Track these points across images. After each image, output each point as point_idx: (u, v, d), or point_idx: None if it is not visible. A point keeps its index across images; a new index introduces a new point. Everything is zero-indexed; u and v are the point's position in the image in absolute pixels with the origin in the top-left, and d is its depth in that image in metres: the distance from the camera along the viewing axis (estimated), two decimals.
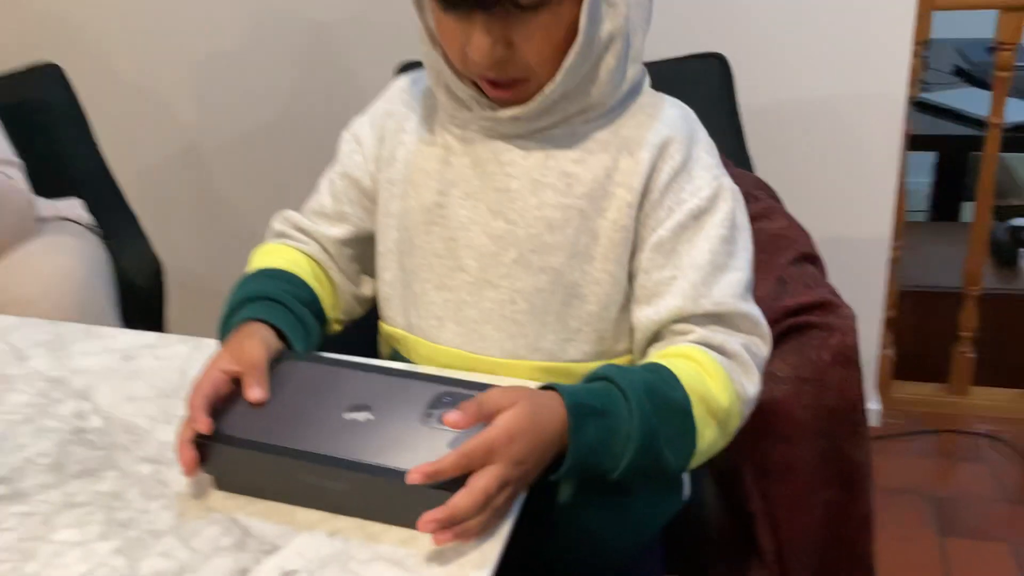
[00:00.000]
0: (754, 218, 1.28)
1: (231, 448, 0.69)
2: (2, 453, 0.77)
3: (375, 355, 0.98)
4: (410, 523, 0.64)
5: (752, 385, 0.82)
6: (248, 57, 1.92)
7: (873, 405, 1.90)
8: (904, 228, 1.91)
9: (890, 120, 1.73)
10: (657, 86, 0.93)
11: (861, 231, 1.81)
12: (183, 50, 1.94)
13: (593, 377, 0.76)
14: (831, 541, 1.06)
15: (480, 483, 0.64)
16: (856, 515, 1.05)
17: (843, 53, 1.69)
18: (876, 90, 1.71)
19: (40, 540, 0.67)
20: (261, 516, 0.68)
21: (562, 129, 0.84)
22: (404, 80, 0.94)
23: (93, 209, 1.42)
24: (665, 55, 1.49)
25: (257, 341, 0.77)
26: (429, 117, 0.89)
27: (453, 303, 0.87)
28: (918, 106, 2.81)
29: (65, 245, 1.26)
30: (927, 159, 2.77)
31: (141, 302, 1.37)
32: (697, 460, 0.79)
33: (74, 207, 1.39)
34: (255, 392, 0.73)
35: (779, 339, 1.07)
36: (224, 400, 0.73)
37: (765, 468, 1.04)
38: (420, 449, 0.67)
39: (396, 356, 0.94)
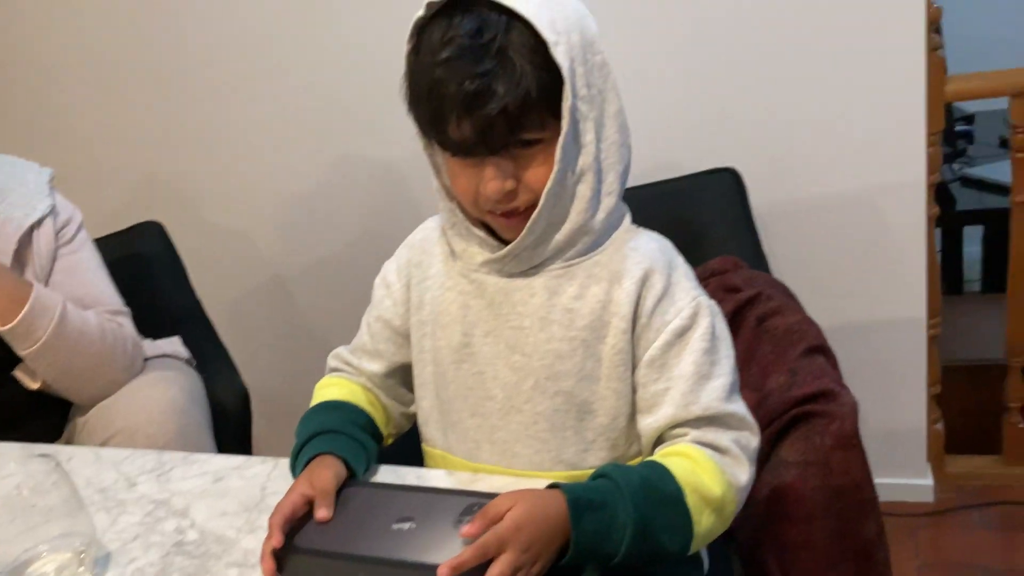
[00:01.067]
0: (768, 315, 1.41)
1: (303, 556, 0.86)
2: (118, 566, 0.94)
3: (422, 464, 1.14)
4: None
5: (743, 474, 0.94)
6: (323, 193, 2.13)
7: (926, 480, 1.94)
8: (957, 300, 1.97)
9: (914, 207, 1.81)
10: (676, 199, 1.08)
11: (897, 313, 1.88)
12: (265, 192, 2.17)
13: (595, 475, 0.90)
14: None
15: (495, 570, 0.78)
16: None
17: (861, 151, 1.79)
18: (897, 180, 1.80)
19: None
20: None
21: (559, 267, 0.99)
22: (420, 231, 1.12)
23: (189, 344, 1.62)
24: (687, 170, 1.65)
25: (327, 471, 0.95)
26: (447, 263, 1.05)
27: (486, 428, 1.01)
28: (963, 181, 2.88)
29: (167, 378, 1.45)
30: (979, 231, 2.83)
31: (232, 425, 1.56)
32: (698, 544, 0.91)
33: (173, 344, 1.59)
34: (322, 512, 0.90)
35: (788, 427, 1.18)
36: (300, 519, 0.90)
37: (783, 545, 1.14)
38: (452, 549, 0.81)
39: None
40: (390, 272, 1.13)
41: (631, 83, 1.79)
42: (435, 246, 1.08)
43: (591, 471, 0.96)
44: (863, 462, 1.13)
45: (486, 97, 0.87)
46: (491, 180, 0.92)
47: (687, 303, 0.97)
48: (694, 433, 0.94)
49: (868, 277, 1.87)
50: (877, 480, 1.16)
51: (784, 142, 1.81)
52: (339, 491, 0.94)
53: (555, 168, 0.92)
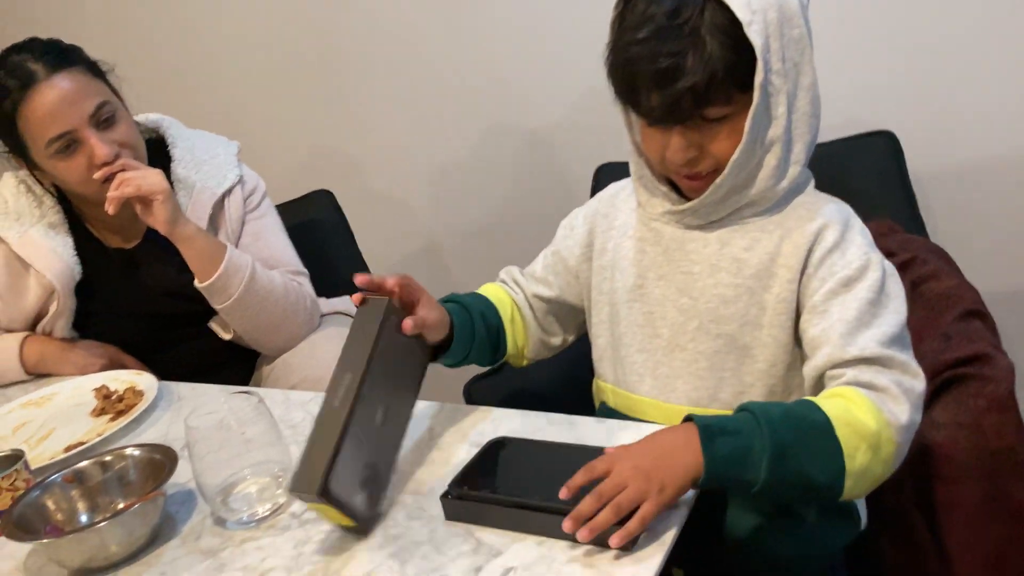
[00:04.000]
0: (923, 279, 1.40)
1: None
2: None
3: (591, 405, 1.23)
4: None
5: (903, 413, 0.92)
6: (474, 163, 2.23)
7: None
8: None
9: None
10: (831, 164, 1.12)
11: None
12: (422, 162, 2.29)
13: (736, 411, 0.93)
14: (1009, 574, 1.14)
15: (600, 488, 0.84)
16: None
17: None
18: None
19: (337, 548, 0.94)
20: (489, 531, 0.92)
21: (734, 222, 1.05)
22: (613, 187, 1.22)
23: None
24: (844, 133, 1.64)
25: (437, 307, 1.11)
26: (630, 216, 1.15)
27: (651, 363, 1.10)
28: None
29: (341, 334, 1.55)
30: None
31: None
32: (855, 482, 0.90)
33: (345, 302, 1.73)
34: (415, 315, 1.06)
35: (940, 390, 1.18)
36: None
37: (932, 506, 1.15)
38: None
39: (603, 406, 1.20)
40: (577, 217, 1.23)
41: None
42: (623, 199, 1.18)
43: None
44: (1018, 425, 1.12)
45: (675, 75, 0.94)
46: (676, 150, 1.00)
47: (858, 256, 1.00)
48: (851, 373, 0.94)
49: None
50: None
51: (945, 103, 1.76)
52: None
53: (743, 140, 0.97)
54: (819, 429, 0.89)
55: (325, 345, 1.53)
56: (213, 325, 1.58)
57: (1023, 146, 1.75)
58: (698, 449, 0.87)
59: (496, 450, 1.01)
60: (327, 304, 1.68)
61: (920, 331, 1.31)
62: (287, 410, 1.27)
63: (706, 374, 1.06)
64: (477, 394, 1.45)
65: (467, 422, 1.13)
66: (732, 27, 0.93)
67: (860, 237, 1.02)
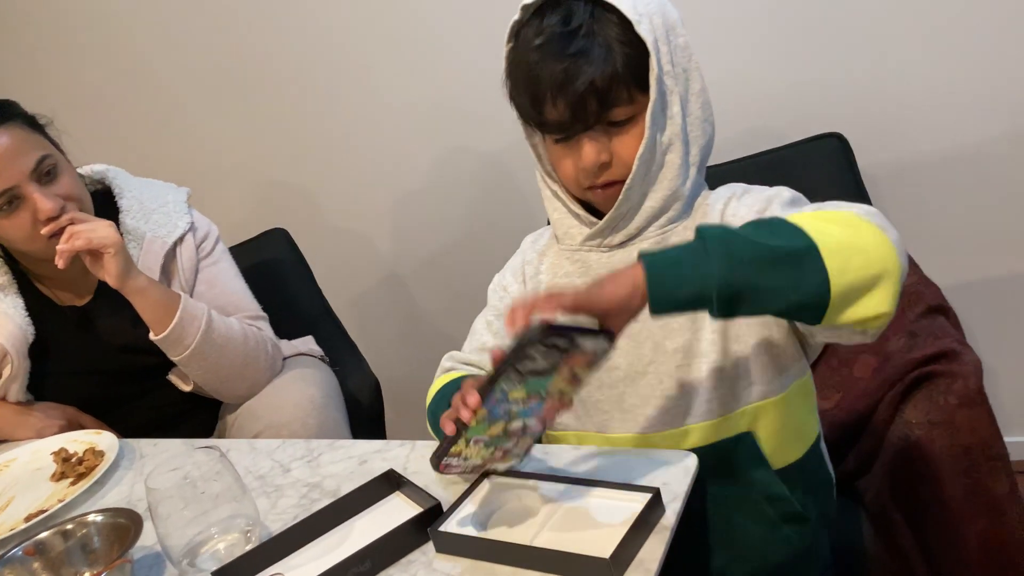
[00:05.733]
0: None
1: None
2: None
3: None
4: None
5: (876, 215, 0.86)
6: (432, 189, 2.21)
7: None
8: None
9: None
10: (784, 168, 1.12)
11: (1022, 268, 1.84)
12: (378, 194, 2.27)
13: None
14: (991, 569, 1.14)
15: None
16: (1011, 540, 1.13)
17: (974, 106, 1.75)
18: (1013, 131, 1.76)
19: None
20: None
21: (652, 236, 1.05)
22: (530, 237, 1.22)
23: (321, 342, 1.73)
24: (792, 139, 1.65)
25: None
26: (554, 256, 1.14)
27: (614, 397, 1.07)
28: None
29: (305, 376, 1.55)
30: None
31: (365, 415, 1.65)
32: (832, 256, 0.80)
33: (308, 343, 1.70)
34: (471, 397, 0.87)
35: (910, 388, 1.19)
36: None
37: (913, 504, 1.15)
38: None
39: None
40: (505, 275, 1.22)
41: (726, 54, 1.80)
42: (544, 243, 1.17)
43: (724, 418, 1.02)
44: (990, 419, 1.12)
45: (577, 74, 0.95)
46: (589, 154, 1.00)
47: (762, 191, 1.05)
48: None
49: (989, 233, 1.82)
50: (1011, 439, 1.15)
51: (890, 102, 1.78)
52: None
53: (646, 134, 0.99)
54: (773, 220, 0.85)
55: (289, 389, 1.50)
56: (172, 377, 1.54)
57: (970, 141, 1.77)
58: (639, 269, 0.82)
59: (482, 484, 1.00)
60: (289, 346, 1.65)
61: (885, 330, 1.32)
62: (254, 460, 1.23)
63: (673, 392, 1.04)
64: None
65: None
66: (623, 28, 0.97)
67: (758, 190, 1.05)
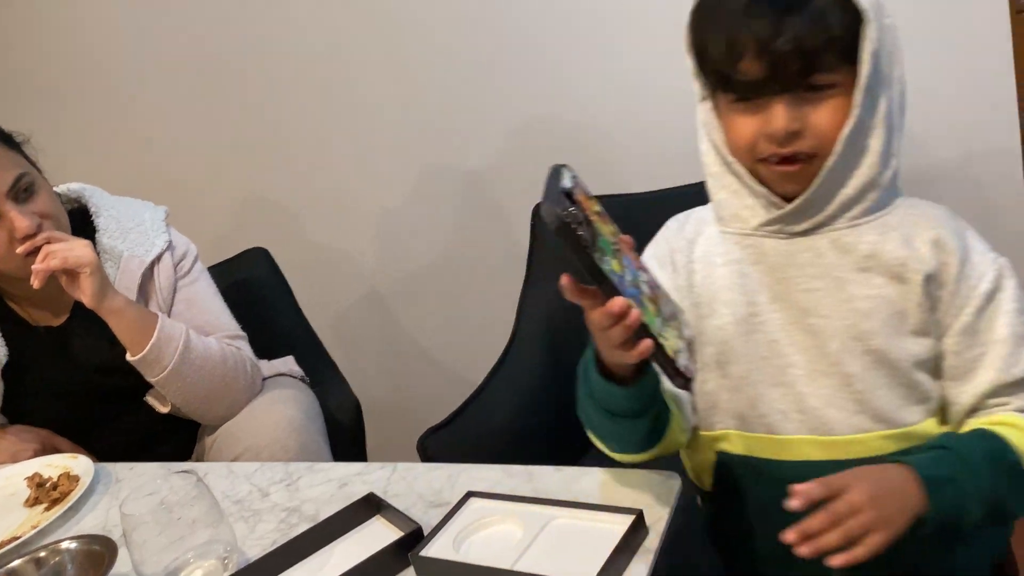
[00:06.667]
0: None
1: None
2: None
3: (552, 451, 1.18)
4: None
5: None
6: (413, 207, 2.20)
7: None
8: None
9: (1011, 174, 1.76)
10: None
11: None
12: (360, 210, 2.25)
13: (932, 447, 0.90)
14: None
15: (834, 507, 0.79)
16: None
17: (946, 120, 1.75)
18: (989, 147, 1.76)
19: None
20: None
21: (844, 224, 0.95)
22: (672, 223, 1.09)
23: (301, 361, 1.71)
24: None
25: None
26: (711, 241, 1.02)
27: (791, 396, 0.97)
28: None
29: (285, 397, 1.53)
30: None
31: (346, 436, 1.63)
32: None
33: (287, 363, 1.68)
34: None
35: None
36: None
37: None
38: None
39: (724, 456, 1.03)
40: (650, 264, 1.06)
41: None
42: (692, 228, 1.05)
43: (908, 429, 0.96)
44: None
45: (785, 30, 0.85)
46: (779, 118, 0.89)
47: (989, 266, 0.95)
48: (1017, 403, 0.93)
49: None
50: None
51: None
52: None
53: (855, 111, 0.90)
54: (1017, 472, 0.89)
55: (268, 410, 1.48)
56: (150, 399, 1.52)
57: (950, 153, 1.78)
58: (920, 495, 0.83)
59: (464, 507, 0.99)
60: (268, 366, 1.63)
61: None
62: (232, 484, 1.22)
63: (862, 396, 0.95)
64: (432, 447, 1.41)
65: (422, 482, 1.09)
66: None
67: (978, 243, 0.97)
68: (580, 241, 0.73)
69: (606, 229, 0.80)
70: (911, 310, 0.94)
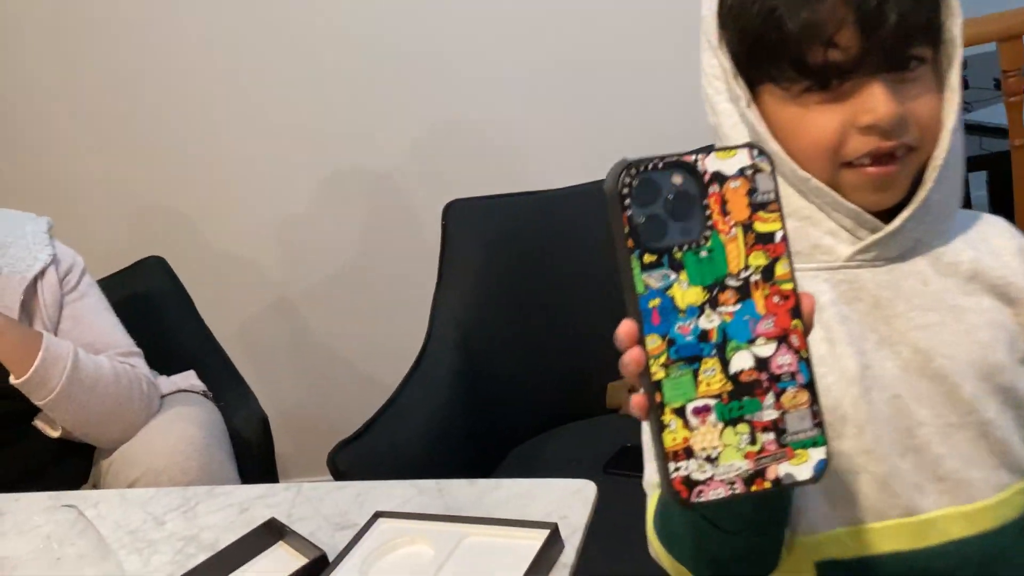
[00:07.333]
0: None
1: None
2: None
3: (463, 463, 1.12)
4: None
5: None
6: (321, 209, 2.14)
7: None
8: None
9: None
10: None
11: None
12: (265, 215, 2.18)
13: None
14: None
15: None
16: None
17: None
18: None
19: None
20: None
21: (934, 239, 0.78)
22: None
23: (204, 376, 1.63)
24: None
25: None
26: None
27: (926, 463, 0.76)
28: (967, 128, 2.86)
29: (185, 415, 1.46)
30: (983, 177, 2.80)
31: (253, 452, 1.56)
32: None
33: (188, 378, 1.60)
34: None
35: None
36: None
37: None
38: None
39: (829, 568, 0.76)
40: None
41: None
42: None
43: None
44: None
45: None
46: (882, 102, 0.70)
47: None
48: None
49: None
50: None
51: None
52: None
53: (955, 99, 0.74)
54: None
55: (167, 430, 1.40)
56: (38, 423, 1.43)
57: None
58: None
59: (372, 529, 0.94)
60: (168, 383, 1.55)
61: None
62: (125, 513, 1.14)
63: (1002, 446, 0.77)
64: (343, 461, 1.35)
65: (328, 503, 1.04)
66: None
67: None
68: (621, 221, 0.52)
69: (741, 251, 0.53)
70: (1020, 335, 0.79)
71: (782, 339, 0.54)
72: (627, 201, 0.51)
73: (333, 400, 2.30)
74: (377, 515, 0.96)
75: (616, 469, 1.49)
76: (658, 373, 0.52)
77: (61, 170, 2.23)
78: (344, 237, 2.16)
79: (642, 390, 0.54)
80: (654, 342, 0.52)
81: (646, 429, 0.60)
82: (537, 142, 1.98)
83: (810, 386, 0.54)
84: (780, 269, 0.54)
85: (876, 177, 0.73)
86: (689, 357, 0.53)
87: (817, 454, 0.54)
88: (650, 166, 0.52)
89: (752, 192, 0.53)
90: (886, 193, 0.75)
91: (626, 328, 0.53)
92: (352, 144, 2.06)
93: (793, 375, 0.54)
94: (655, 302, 0.52)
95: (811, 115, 0.73)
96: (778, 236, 0.53)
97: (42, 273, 1.45)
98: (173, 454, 1.35)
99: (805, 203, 0.76)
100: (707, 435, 0.53)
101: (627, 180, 0.51)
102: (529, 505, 0.96)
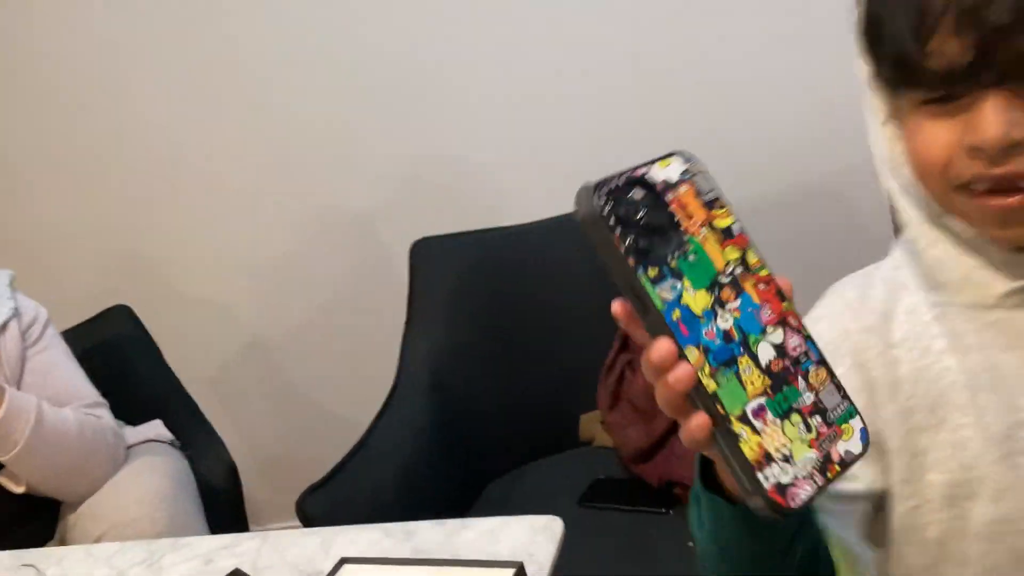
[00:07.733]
0: None
1: None
2: None
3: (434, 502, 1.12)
4: None
5: None
6: (296, 250, 2.13)
7: None
8: None
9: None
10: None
11: None
12: (236, 258, 2.17)
13: None
14: None
15: None
16: None
17: (813, 138, 1.81)
18: (859, 162, 1.82)
19: None
20: None
21: None
22: (845, 289, 0.76)
23: (171, 425, 1.61)
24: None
25: None
26: (917, 317, 0.71)
27: (1008, 551, 0.67)
28: None
29: (152, 465, 1.44)
30: None
31: (222, 501, 1.54)
32: None
33: (155, 428, 1.58)
34: None
35: None
36: None
37: None
38: None
39: None
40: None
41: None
42: (887, 292, 0.73)
43: None
44: None
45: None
46: (990, 123, 0.60)
47: None
48: None
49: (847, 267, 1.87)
50: None
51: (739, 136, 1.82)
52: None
53: None
54: None
55: (134, 482, 1.39)
56: (2, 479, 1.40)
57: (821, 171, 1.83)
58: None
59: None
60: (134, 433, 1.53)
61: None
62: (90, 569, 1.12)
63: None
64: (311, 507, 1.34)
65: (294, 550, 1.02)
66: None
67: None
68: (613, 242, 0.51)
69: (717, 249, 0.54)
70: None
71: (782, 322, 0.53)
72: (611, 221, 0.50)
73: (307, 443, 2.27)
74: (343, 561, 0.94)
75: (590, 502, 1.48)
76: (710, 384, 0.50)
77: (23, 220, 2.21)
78: (316, 277, 2.15)
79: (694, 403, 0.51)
80: (693, 354, 0.50)
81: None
82: (509, 179, 1.99)
83: (823, 361, 0.54)
84: (752, 258, 0.53)
85: (996, 210, 0.62)
86: (727, 360, 0.51)
87: (857, 424, 0.54)
88: (615, 185, 0.51)
89: (700, 194, 0.53)
90: (1015, 230, 0.63)
91: (663, 347, 0.49)
92: (321, 186, 2.06)
93: (806, 353, 0.54)
94: (676, 314, 0.50)
95: (925, 127, 0.64)
96: (736, 229, 0.53)
97: (4, 327, 1.44)
98: (140, 507, 1.34)
99: (952, 229, 0.67)
100: (774, 435, 0.52)
101: (600, 202, 0.50)
102: (498, 543, 0.95)
